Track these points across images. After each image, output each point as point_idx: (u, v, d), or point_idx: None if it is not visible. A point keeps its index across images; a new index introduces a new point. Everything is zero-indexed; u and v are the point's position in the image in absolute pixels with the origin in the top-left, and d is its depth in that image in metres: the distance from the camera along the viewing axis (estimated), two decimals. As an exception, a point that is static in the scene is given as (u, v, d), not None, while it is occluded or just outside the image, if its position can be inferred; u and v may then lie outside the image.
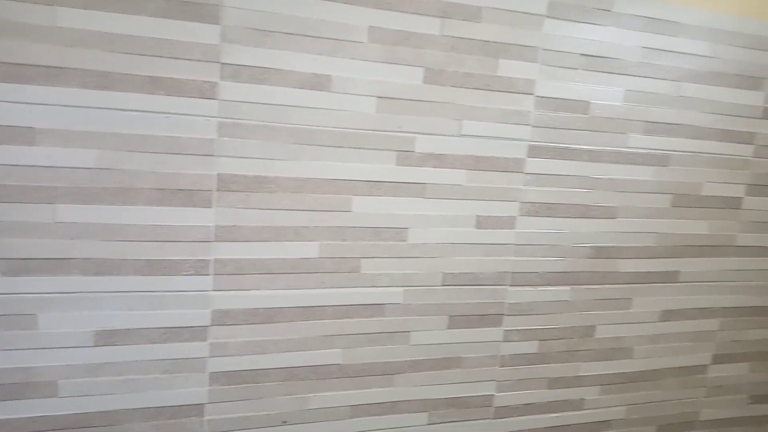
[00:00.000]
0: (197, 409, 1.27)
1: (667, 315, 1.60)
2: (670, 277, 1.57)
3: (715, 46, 1.45)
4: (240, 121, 1.17)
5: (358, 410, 1.40)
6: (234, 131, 1.17)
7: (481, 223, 1.38)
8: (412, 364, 1.42)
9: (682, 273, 1.58)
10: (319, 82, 1.20)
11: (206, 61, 1.13)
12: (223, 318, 1.25)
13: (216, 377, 1.27)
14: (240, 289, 1.24)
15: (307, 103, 1.20)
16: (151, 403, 1.24)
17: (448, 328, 1.43)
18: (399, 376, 1.41)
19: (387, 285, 1.35)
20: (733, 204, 1.58)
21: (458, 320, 1.43)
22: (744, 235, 1.61)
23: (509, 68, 1.31)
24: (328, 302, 1.32)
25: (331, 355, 1.35)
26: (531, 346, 1.51)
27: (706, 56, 1.45)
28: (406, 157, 1.29)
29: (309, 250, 1.28)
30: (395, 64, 1.24)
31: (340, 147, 1.24)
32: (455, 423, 1.49)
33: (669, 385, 1.66)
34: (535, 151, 1.38)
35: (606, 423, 1.63)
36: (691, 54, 1.44)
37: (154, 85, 1.11)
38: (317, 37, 1.17)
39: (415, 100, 1.27)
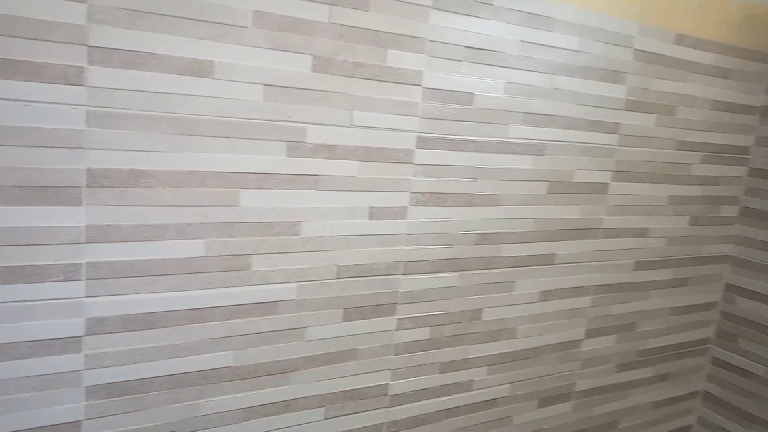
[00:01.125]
0: (74, 427, 1.15)
1: (545, 295, 1.70)
2: (547, 259, 1.67)
3: (584, 42, 1.55)
4: (112, 109, 1.06)
5: (252, 412, 1.35)
6: (106, 121, 1.06)
7: (374, 214, 1.38)
8: (307, 360, 1.39)
9: (557, 255, 1.69)
10: (200, 68, 1.12)
11: (71, 44, 1.01)
12: (98, 326, 1.14)
13: (93, 391, 1.16)
14: (117, 294, 1.14)
15: (188, 91, 1.11)
16: (21, 425, 1.10)
17: (343, 321, 1.41)
18: (294, 373, 1.38)
19: (280, 282, 1.30)
20: (600, 189, 1.71)
21: (353, 312, 1.42)
22: (610, 218, 1.75)
23: (398, 59, 1.31)
24: (216, 303, 1.25)
25: (222, 358, 1.28)
26: (423, 333, 1.53)
27: (576, 51, 1.55)
28: (296, 147, 1.25)
29: (194, 248, 1.20)
30: (282, 50, 1.19)
31: (226, 137, 1.17)
32: (352, 415, 1.48)
33: (548, 360, 1.77)
34: (423, 142, 1.40)
35: (493, 401, 1.71)
36: (564, 48, 1.52)
37: (11, 69, 0.97)
38: (198, 20, 1.09)
39: (305, 89, 1.23)
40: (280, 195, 1.26)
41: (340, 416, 1.47)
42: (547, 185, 1.61)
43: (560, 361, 1.80)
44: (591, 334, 1.83)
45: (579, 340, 1.82)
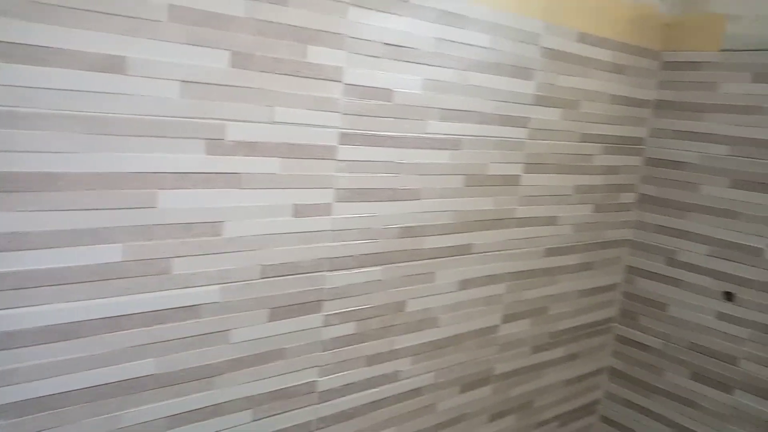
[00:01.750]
0: (-21, 452, 1.07)
1: (464, 284, 1.76)
2: (465, 249, 1.73)
3: (494, 39, 1.61)
4: (15, 109, 0.99)
5: (177, 420, 1.31)
6: (8, 121, 0.98)
7: (299, 211, 1.37)
8: (233, 362, 1.36)
9: (474, 245, 1.75)
10: (112, 65, 1.06)
11: (-36, 36, 0.93)
12: (7, 341, 1.06)
13: (4, 410, 1.08)
14: (28, 306, 1.06)
15: (100, 89, 1.06)
16: None
17: (269, 321, 1.40)
18: (220, 377, 1.35)
19: (202, 284, 1.27)
20: (512, 181, 1.79)
21: (279, 312, 1.40)
22: (521, 208, 1.84)
23: (318, 55, 1.31)
24: (136, 309, 1.20)
25: (143, 366, 1.23)
26: (349, 328, 1.55)
27: (488, 48, 1.60)
28: (216, 145, 1.22)
29: (110, 253, 1.14)
30: (199, 46, 1.15)
31: (141, 136, 1.12)
32: (280, 415, 1.47)
33: (468, 347, 1.84)
34: (346, 138, 1.40)
35: (417, 390, 1.75)
36: (476, 46, 1.58)
37: None
38: (109, 13, 1.04)
39: (223, 85, 1.20)
40: (200, 195, 1.22)
41: (268, 417, 1.46)
42: (463, 178, 1.66)
43: (479, 346, 1.87)
44: (507, 319, 1.92)
45: (496, 326, 1.90)
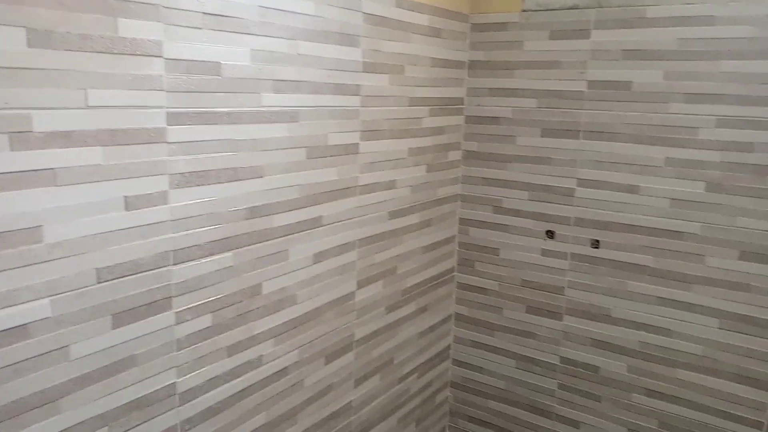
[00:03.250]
0: None
1: (318, 257, 1.75)
2: (315, 222, 1.72)
3: (318, 6, 1.58)
4: None
5: (17, 458, 1.14)
6: None
7: (131, 203, 1.24)
8: (79, 381, 1.22)
9: (324, 217, 1.74)
10: None
11: None
12: None
13: None
14: None
15: None
16: None
17: (114, 329, 1.26)
18: (65, 399, 1.19)
19: (28, 300, 1.10)
20: (352, 150, 1.80)
21: (123, 317, 1.27)
22: (363, 176, 1.86)
23: (131, 28, 1.18)
24: (-56, 342, 1.01)
25: (-35, 406, 1.05)
26: (205, 321, 1.46)
27: (313, 16, 1.57)
28: (22, 139, 1.05)
29: None
30: (-17, 23, 0.97)
31: None
32: (141, 425, 1.35)
33: (328, 318, 1.84)
34: (174, 119, 1.29)
35: (283, 371, 1.72)
36: (301, 13, 1.54)
37: None
38: None
39: (21, 68, 1.03)
40: (10, 198, 1.05)
41: (126, 431, 1.33)
42: (305, 151, 1.63)
43: (339, 315, 1.88)
44: (362, 284, 1.95)
45: (352, 293, 1.92)
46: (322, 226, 1.74)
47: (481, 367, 2.50)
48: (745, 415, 1.99)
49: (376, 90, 1.84)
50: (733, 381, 2.00)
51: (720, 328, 1.99)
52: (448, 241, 2.40)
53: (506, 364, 2.44)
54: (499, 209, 2.34)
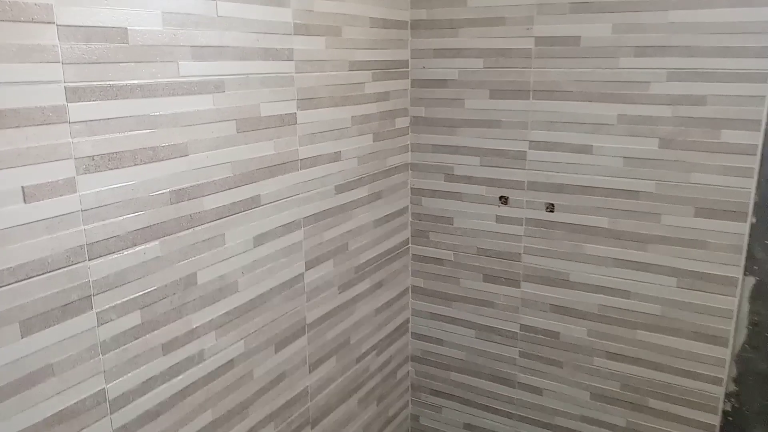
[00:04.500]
0: None
1: (260, 239, 1.62)
2: (253, 202, 1.58)
3: (239, -37, 1.42)
4: None
5: None
6: None
7: (30, 194, 1.08)
8: (-16, 399, 1.07)
9: (263, 195, 1.61)
10: None
11: None
12: None
13: None
14: None
15: None
16: None
17: (24, 337, 1.11)
18: (-32, 422, 1.05)
19: None
20: (289, 120, 1.66)
21: (34, 323, 1.12)
22: (303, 148, 1.73)
23: (10, -11, 1.00)
24: None
25: None
26: (134, 318, 1.32)
27: (234, -27, 1.41)
28: None
29: None
30: None
31: None
32: (66, 441, 1.22)
33: (275, 304, 1.72)
34: (75, 94, 1.13)
35: (229, 363, 1.60)
36: (220, -29, 1.37)
37: None
38: None
39: None
40: None
41: (50, 448, 1.19)
42: (235, 124, 1.48)
43: (287, 299, 1.76)
44: (310, 264, 1.84)
45: (301, 274, 1.80)
46: (260, 206, 1.60)
47: (440, 339, 2.44)
48: (706, 372, 1.98)
49: (312, 54, 1.69)
50: (692, 339, 1.98)
51: (678, 287, 1.96)
52: (401, 212, 2.29)
53: (466, 335, 2.37)
54: (451, 177, 2.24)
